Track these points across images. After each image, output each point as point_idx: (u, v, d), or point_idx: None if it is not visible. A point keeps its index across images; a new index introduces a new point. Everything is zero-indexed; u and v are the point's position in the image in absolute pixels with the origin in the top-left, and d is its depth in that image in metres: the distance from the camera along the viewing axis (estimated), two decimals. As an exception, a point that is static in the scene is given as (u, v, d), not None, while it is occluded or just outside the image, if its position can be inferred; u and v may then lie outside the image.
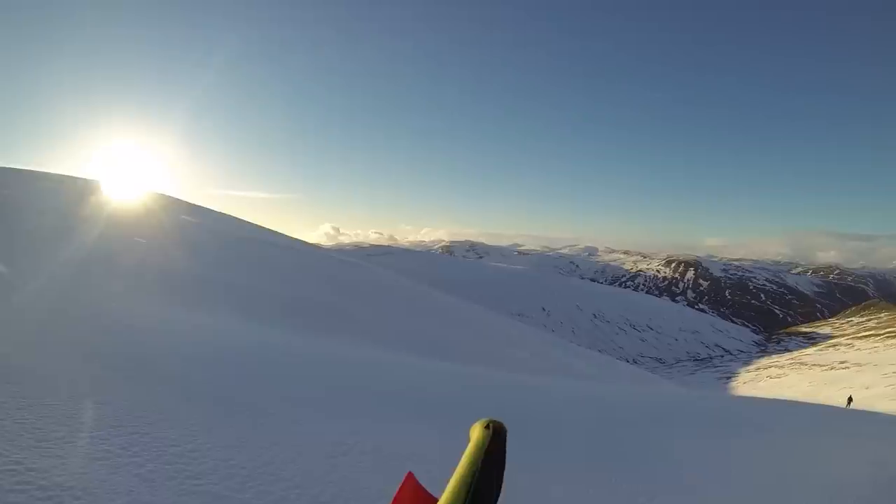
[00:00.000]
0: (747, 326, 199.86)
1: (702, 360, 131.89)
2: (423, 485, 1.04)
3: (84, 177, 31.38)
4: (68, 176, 30.61)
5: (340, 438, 5.04)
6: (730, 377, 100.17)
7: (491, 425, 0.99)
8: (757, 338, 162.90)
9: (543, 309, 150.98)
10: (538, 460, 5.95)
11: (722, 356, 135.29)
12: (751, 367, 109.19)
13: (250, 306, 14.73)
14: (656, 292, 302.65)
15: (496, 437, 0.98)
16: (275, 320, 13.93)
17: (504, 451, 0.98)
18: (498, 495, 0.93)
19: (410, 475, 1.02)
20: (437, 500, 0.92)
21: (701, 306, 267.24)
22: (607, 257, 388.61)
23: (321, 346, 11.45)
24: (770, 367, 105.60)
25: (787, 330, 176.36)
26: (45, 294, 8.40)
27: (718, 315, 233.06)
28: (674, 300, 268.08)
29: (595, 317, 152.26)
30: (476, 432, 1.00)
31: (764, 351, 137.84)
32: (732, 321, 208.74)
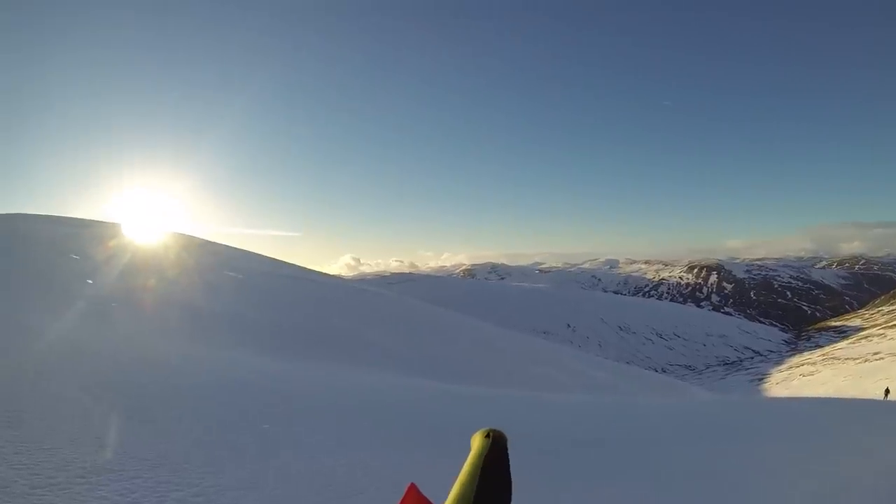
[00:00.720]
0: (775, 326, 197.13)
1: (731, 363, 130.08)
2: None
3: (104, 220, 31.98)
4: (89, 220, 31.23)
5: (359, 474, 4.84)
6: (762, 379, 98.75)
7: (490, 434, 1.02)
8: (786, 336, 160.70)
9: (568, 325, 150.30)
10: (569, 482, 5.74)
11: (752, 358, 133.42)
12: (782, 367, 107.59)
13: (271, 340, 14.76)
14: (680, 299, 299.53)
15: (496, 446, 1.00)
16: (297, 352, 13.91)
17: (506, 460, 1.01)
18: None
19: (413, 486, 1.03)
20: None
21: (727, 309, 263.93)
22: (629, 268, 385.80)
23: (344, 377, 11.33)
24: (802, 364, 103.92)
25: (817, 325, 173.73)
26: (61, 334, 8.29)
27: (745, 317, 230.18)
28: (699, 306, 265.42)
29: (621, 329, 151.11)
30: (476, 442, 1.03)
31: (794, 349, 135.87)
32: (760, 322, 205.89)
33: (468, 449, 1.06)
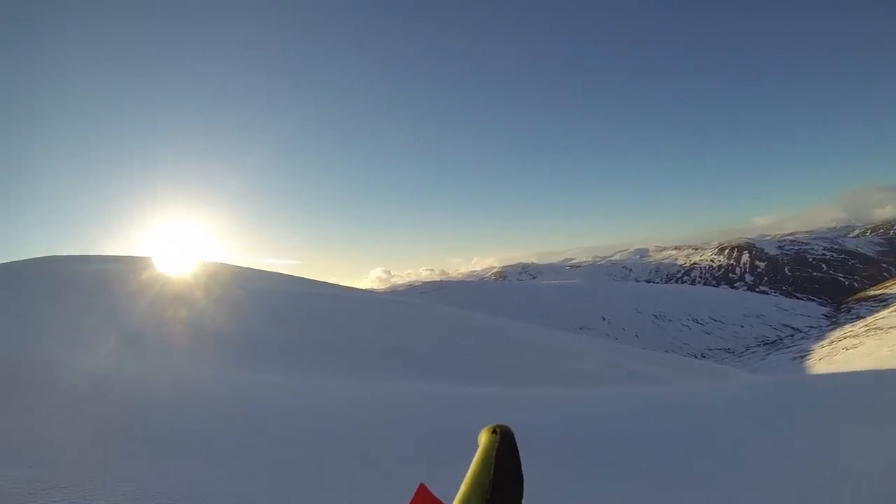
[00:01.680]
0: (813, 300, 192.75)
1: (772, 343, 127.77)
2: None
3: (136, 255, 32.23)
4: (122, 256, 31.65)
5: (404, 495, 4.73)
6: (804, 356, 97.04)
7: (498, 430, 1.00)
8: (825, 310, 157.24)
9: (603, 318, 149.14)
10: (611, 479, 5.46)
11: (792, 335, 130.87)
12: (824, 342, 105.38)
13: (305, 359, 14.80)
14: (714, 282, 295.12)
15: (504, 440, 0.98)
16: (335, 369, 13.90)
17: (517, 452, 0.99)
18: (518, 501, 0.94)
19: (423, 487, 1.01)
20: None
21: (762, 288, 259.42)
22: (659, 256, 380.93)
23: (384, 390, 11.21)
24: (844, 338, 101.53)
25: (856, 296, 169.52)
26: (90, 368, 8.31)
27: (781, 294, 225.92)
28: (733, 287, 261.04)
29: (656, 317, 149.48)
30: (484, 438, 1.01)
31: (835, 322, 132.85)
32: (797, 298, 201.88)
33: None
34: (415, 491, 0.97)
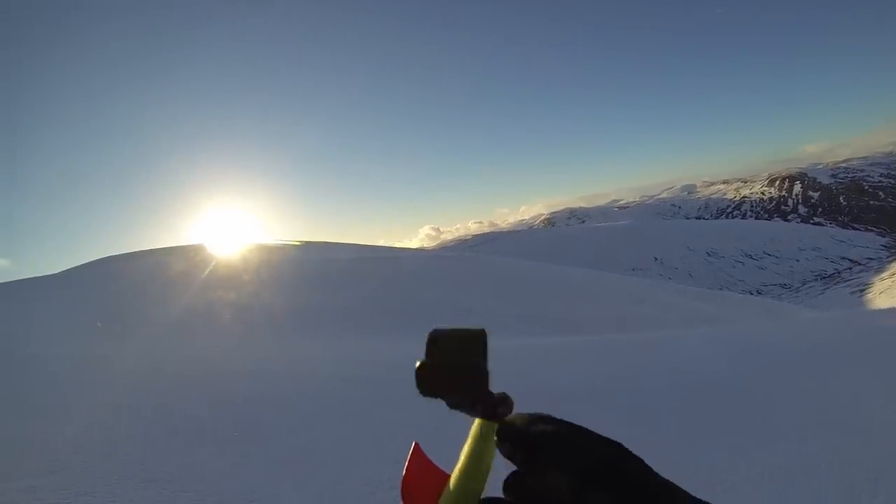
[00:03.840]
0: (871, 231, 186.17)
1: (829, 276, 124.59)
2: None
3: (190, 244, 32.17)
4: (174, 247, 31.75)
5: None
6: (864, 290, 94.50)
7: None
8: (884, 241, 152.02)
9: (656, 258, 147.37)
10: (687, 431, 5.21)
11: (850, 268, 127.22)
12: (884, 275, 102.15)
13: (363, 324, 14.73)
14: (766, 216, 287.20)
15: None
16: (395, 331, 13.72)
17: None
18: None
19: (417, 446, 0.90)
20: (446, 474, 0.81)
21: (816, 220, 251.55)
22: (707, 191, 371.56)
23: None
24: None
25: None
26: (130, 360, 8.38)
27: (837, 225, 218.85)
28: (786, 220, 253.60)
29: (709, 255, 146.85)
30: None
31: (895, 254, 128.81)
32: (854, 228, 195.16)
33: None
34: (410, 451, 0.90)
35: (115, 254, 30.03)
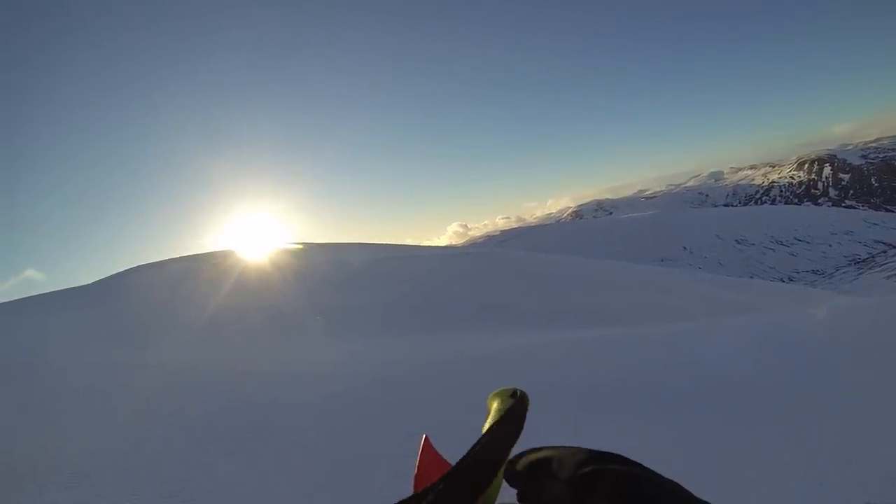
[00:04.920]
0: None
1: (863, 261, 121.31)
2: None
3: (217, 250, 31.94)
4: (202, 254, 31.50)
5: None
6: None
7: (518, 393, 0.82)
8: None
9: (684, 248, 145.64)
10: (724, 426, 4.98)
11: (885, 252, 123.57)
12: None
13: (389, 324, 14.66)
14: (795, 200, 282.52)
15: (520, 403, 0.80)
16: (420, 330, 13.74)
17: (524, 415, 0.80)
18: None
19: (427, 440, 0.93)
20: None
21: (848, 202, 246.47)
22: (734, 177, 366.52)
23: (477, 343, 10.90)
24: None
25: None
26: (160, 365, 8.47)
27: (870, 207, 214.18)
28: (816, 204, 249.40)
29: (738, 242, 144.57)
30: (501, 402, 0.82)
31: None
32: (888, 210, 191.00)
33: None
34: (421, 445, 0.93)
35: (145, 263, 30.37)
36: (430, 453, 0.91)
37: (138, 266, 28.99)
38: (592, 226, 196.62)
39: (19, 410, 5.90)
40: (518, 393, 0.82)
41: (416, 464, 0.88)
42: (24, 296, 25.41)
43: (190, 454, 4.54)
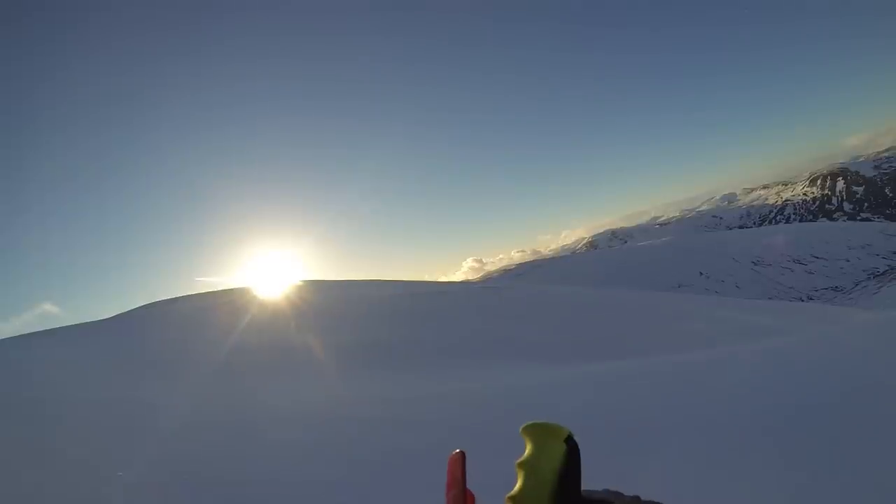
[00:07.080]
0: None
1: (882, 274, 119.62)
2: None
3: (235, 286, 31.53)
4: (219, 290, 31.10)
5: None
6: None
7: (569, 439, 0.84)
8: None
9: (701, 273, 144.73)
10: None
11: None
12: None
13: (405, 362, 14.47)
14: (810, 217, 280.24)
15: (573, 455, 0.84)
16: (437, 367, 13.53)
17: (579, 470, 0.85)
18: None
19: (461, 455, 0.90)
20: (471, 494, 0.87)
21: (864, 216, 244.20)
22: (748, 198, 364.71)
23: (495, 380, 10.83)
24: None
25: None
26: (176, 404, 8.35)
27: (885, 219, 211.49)
28: (831, 219, 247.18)
29: (755, 264, 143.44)
30: (549, 445, 0.84)
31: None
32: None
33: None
34: (450, 463, 0.88)
35: (162, 298, 29.99)
36: (456, 471, 0.90)
37: (156, 302, 29.00)
38: (608, 255, 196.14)
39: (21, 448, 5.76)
40: (569, 440, 0.84)
41: (448, 481, 0.89)
42: (39, 328, 25.35)
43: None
